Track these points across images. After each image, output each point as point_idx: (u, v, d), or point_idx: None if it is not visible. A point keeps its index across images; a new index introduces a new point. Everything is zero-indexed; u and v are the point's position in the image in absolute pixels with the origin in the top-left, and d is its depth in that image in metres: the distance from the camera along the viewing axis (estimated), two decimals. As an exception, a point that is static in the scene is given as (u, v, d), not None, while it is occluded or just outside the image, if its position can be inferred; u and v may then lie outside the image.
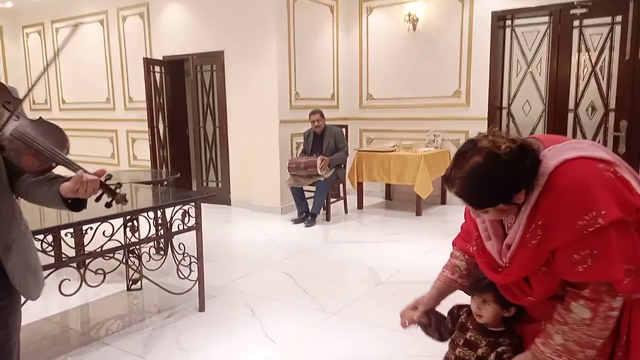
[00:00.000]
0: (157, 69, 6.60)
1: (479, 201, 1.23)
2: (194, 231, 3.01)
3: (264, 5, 5.65)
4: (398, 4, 6.26)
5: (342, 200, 5.80)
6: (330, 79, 6.60)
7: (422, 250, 4.14)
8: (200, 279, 3.08)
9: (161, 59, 6.73)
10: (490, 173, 1.17)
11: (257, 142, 5.95)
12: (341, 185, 5.79)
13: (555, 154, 1.21)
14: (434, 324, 1.59)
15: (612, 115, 5.21)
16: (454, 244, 1.62)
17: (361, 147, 6.56)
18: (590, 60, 5.33)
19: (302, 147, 5.74)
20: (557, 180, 1.17)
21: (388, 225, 5.28)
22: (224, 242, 4.78)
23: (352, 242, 4.70)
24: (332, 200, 5.58)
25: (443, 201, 6.13)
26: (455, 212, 5.54)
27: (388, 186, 6.54)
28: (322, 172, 5.19)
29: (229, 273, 3.89)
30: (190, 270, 3.06)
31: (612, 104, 5.20)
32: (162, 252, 3.45)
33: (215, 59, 6.27)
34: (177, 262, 3.05)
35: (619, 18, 5.06)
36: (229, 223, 5.70)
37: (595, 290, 1.16)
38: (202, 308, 3.08)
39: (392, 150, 5.77)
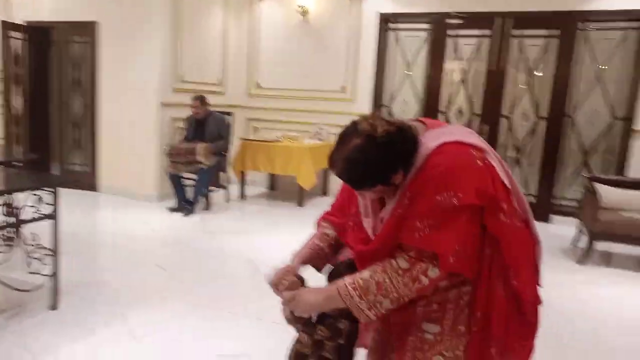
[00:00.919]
0: (16, 35, 5.77)
1: (357, 182, 1.29)
2: (50, 220, 2.66)
3: (146, -24, 5.23)
4: (289, -7, 6.21)
5: (224, 190, 5.61)
6: (218, 64, 6.34)
7: (301, 239, 4.14)
8: (55, 274, 2.73)
9: (23, 24, 5.91)
10: (368, 155, 1.23)
11: (133, 124, 5.51)
12: (223, 174, 5.60)
13: (435, 136, 1.29)
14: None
15: (476, 119, 5.72)
16: (322, 219, 1.62)
17: (248, 136, 6.42)
18: (462, 68, 5.78)
19: (184, 131, 5.43)
20: (431, 160, 1.25)
21: (270, 216, 5.24)
22: (88, 233, 4.35)
23: (232, 232, 4.57)
24: (213, 189, 5.38)
25: (325, 192, 6.25)
26: (336, 205, 5.67)
27: (272, 176, 6.50)
28: (203, 160, 4.96)
29: (92, 267, 3.54)
30: (44, 265, 2.70)
31: (477, 109, 5.71)
32: (11, 244, 3.00)
33: (86, 30, 5.66)
34: (27, 255, 2.67)
35: (487, 31, 5.55)
36: (96, 211, 5.21)
37: (420, 254, 1.25)
38: (54, 306, 2.74)
39: (278, 141, 5.72)
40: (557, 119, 5.39)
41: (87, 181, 5.69)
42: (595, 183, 4.13)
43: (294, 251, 1.58)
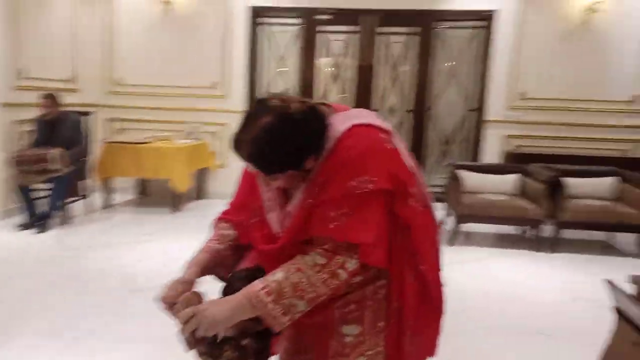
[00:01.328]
0: None
1: (268, 166, 1.14)
2: None
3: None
4: (150, -19, 5.77)
5: (84, 199, 5.01)
6: (68, 58, 5.64)
7: (180, 248, 3.87)
8: None
9: None
10: (282, 133, 1.10)
11: (-36, 129, 4.66)
12: (81, 183, 4.98)
13: (343, 119, 1.21)
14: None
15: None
16: (219, 220, 1.42)
17: (111, 138, 5.84)
18: (334, 63, 5.91)
19: (31, 135, 4.73)
20: (342, 143, 1.17)
21: (141, 225, 4.81)
22: None
23: (99, 246, 4.08)
24: (72, 199, 4.78)
25: (199, 196, 5.95)
26: (215, 206, 5.40)
27: (143, 181, 6.01)
28: (58, 167, 4.37)
29: None
30: None
31: (352, 104, 5.89)
32: None
33: None
34: None
35: (355, 28, 5.73)
36: None
37: (336, 247, 1.15)
38: None
39: (147, 142, 5.29)
40: (420, 111, 5.78)
41: None
42: (458, 170, 4.49)
43: (187, 261, 1.34)
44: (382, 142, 1.20)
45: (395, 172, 1.19)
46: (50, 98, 4.50)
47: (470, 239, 4.61)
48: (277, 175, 1.16)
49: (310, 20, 5.77)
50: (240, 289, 1.16)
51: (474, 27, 5.71)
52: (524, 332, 2.76)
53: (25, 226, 4.41)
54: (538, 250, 4.24)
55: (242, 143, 1.12)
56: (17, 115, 4.84)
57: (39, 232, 4.32)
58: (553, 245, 4.25)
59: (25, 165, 4.32)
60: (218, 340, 1.16)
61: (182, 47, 5.86)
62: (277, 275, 1.14)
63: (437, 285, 1.35)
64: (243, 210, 1.38)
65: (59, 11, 5.42)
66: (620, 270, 2.95)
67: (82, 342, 2.48)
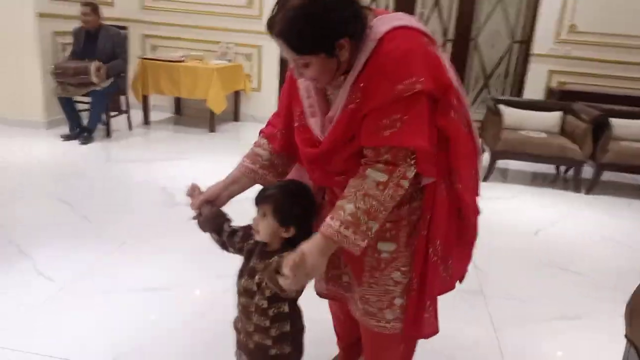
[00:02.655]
0: None
1: (298, 43, 1.11)
2: None
3: None
4: None
5: (125, 115, 5.09)
6: (103, -32, 5.50)
7: (217, 168, 3.94)
8: None
9: None
10: (312, 10, 1.07)
11: (6, 40, 4.67)
12: (123, 98, 5.06)
13: (384, 22, 1.17)
14: (208, 219, 1.37)
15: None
16: (261, 132, 1.47)
17: (144, 54, 5.80)
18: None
19: (70, 47, 4.74)
20: (383, 45, 1.13)
21: (179, 143, 4.91)
22: (-34, 166, 3.75)
23: (139, 161, 4.21)
24: (112, 114, 4.86)
25: (236, 118, 5.97)
26: (249, 129, 5.46)
27: (177, 100, 6.04)
28: (97, 80, 4.41)
29: (-21, 204, 3.08)
30: None
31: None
32: None
33: None
34: None
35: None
36: (-29, 142, 4.50)
37: (395, 156, 1.16)
38: (-59, 251, 2.37)
39: (181, 61, 5.25)
40: (461, 41, 5.55)
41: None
42: (499, 105, 4.38)
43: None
44: (424, 44, 1.17)
45: (439, 76, 1.16)
46: (91, 7, 4.44)
47: (505, 176, 4.58)
48: (309, 57, 1.12)
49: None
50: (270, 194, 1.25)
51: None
52: (550, 268, 2.80)
53: (68, 137, 4.54)
54: (575, 191, 4.20)
55: (275, 22, 1.11)
56: (55, 26, 4.82)
57: (82, 144, 4.45)
58: (591, 187, 4.19)
59: (65, 77, 4.37)
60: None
61: (217, -39, 5.63)
62: (347, 207, 1.15)
63: (474, 210, 1.36)
64: (284, 119, 1.38)
65: None
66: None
67: (122, 249, 2.63)
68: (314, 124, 1.26)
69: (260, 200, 1.27)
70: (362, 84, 1.14)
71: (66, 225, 2.83)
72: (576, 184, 4.22)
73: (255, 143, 1.45)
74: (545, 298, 2.46)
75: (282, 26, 1.09)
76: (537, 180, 4.58)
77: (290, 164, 1.45)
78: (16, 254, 2.46)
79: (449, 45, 5.59)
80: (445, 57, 1.24)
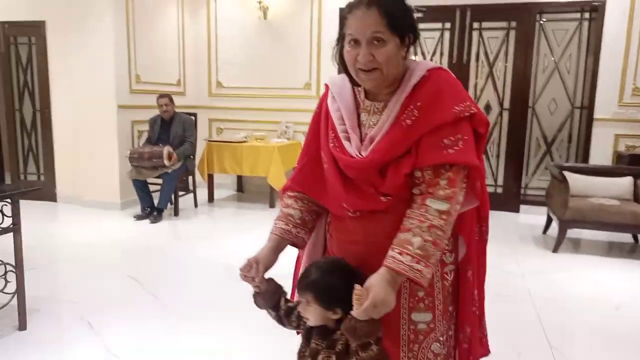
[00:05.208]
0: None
1: (394, 12, 1.19)
2: (10, 234, 2.44)
3: (97, -28, 4.95)
4: (248, -10, 6.07)
5: (192, 194, 5.40)
6: (175, 63, 6.11)
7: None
8: (20, 291, 2.52)
9: (-41, 24, 5.48)
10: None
11: (90, 128, 5.21)
12: (190, 178, 5.39)
13: (424, 63, 1.29)
14: (267, 294, 1.35)
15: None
16: (284, 190, 1.48)
17: (210, 137, 6.22)
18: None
19: (145, 135, 5.19)
20: (434, 73, 1.25)
21: (241, 219, 5.09)
22: (49, 245, 4.06)
23: (205, 238, 4.39)
24: (180, 193, 5.17)
25: (295, 193, 6.13)
26: (307, 204, 5.56)
27: (240, 178, 6.34)
28: (169, 163, 4.75)
29: (57, 281, 3.30)
30: (6, 282, 2.48)
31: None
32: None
33: (33, 31, 5.31)
34: (-14, 273, 2.44)
35: (447, 25, 5.60)
36: (55, 222, 4.90)
37: (456, 174, 1.19)
38: (22, 326, 2.52)
39: (244, 141, 5.57)
40: (518, 109, 5.51)
41: (44, 191, 5.33)
42: (564, 171, 4.23)
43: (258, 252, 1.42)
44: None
45: (480, 111, 1.26)
46: (168, 97, 4.91)
47: (577, 246, 4.32)
48: (389, 35, 1.18)
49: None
50: (310, 282, 1.23)
51: (578, 19, 5.35)
52: (636, 347, 2.55)
53: (140, 217, 4.84)
54: (656, 260, 3.87)
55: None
56: (132, 116, 5.32)
57: (152, 223, 4.72)
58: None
59: (141, 161, 4.75)
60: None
61: (276, 49, 6.08)
62: (414, 241, 1.16)
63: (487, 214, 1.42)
64: (303, 154, 1.43)
65: (167, 21, 5.87)
66: None
67: (186, 324, 2.68)
68: (349, 147, 1.28)
69: (301, 289, 1.27)
70: (418, 103, 1.21)
71: (134, 302, 2.95)
72: (658, 254, 3.89)
73: (282, 205, 1.47)
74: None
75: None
76: (613, 250, 4.27)
77: (317, 219, 1.46)
78: (87, 330, 2.58)
79: (506, 114, 5.57)
80: None
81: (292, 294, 1.49)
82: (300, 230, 1.41)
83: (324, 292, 1.22)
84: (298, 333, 1.40)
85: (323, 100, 1.40)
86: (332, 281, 1.23)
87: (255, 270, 1.32)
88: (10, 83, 5.54)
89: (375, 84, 1.25)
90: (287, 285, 1.45)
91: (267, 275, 1.35)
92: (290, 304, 1.38)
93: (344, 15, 1.26)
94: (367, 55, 1.20)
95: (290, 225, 1.41)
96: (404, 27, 1.21)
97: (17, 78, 5.54)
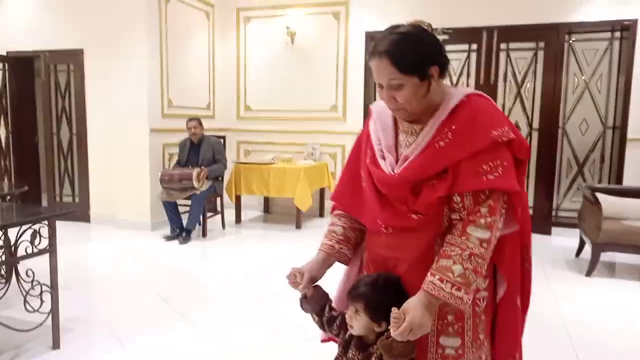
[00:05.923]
0: (-2, 65, 5.66)
1: (402, 60, 1.22)
2: (46, 255, 2.53)
3: (131, 3, 5.18)
4: (276, 16, 6.22)
5: (219, 215, 5.49)
6: (205, 87, 6.29)
7: (302, 262, 4.05)
8: (55, 311, 2.60)
9: (4, 54, 5.80)
10: (415, 37, 1.24)
11: (123, 152, 5.39)
12: (218, 199, 5.49)
13: (463, 88, 1.34)
14: (313, 299, 1.43)
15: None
16: (333, 209, 1.56)
17: (238, 159, 6.34)
18: (451, 82, 5.81)
19: (176, 157, 5.33)
20: (471, 98, 1.28)
21: (267, 240, 5.13)
22: (83, 266, 4.19)
23: (232, 259, 4.44)
24: (208, 214, 5.26)
25: (321, 214, 6.17)
26: (333, 225, 5.57)
27: (266, 199, 6.41)
28: (198, 185, 4.86)
29: (91, 301, 3.39)
30: (42, 301, 2.56)
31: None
32: (4, 281, 2.86)
33: (72, 58, 5.56)
34: (24, 292, 2.53)
35: (474, 46, 5.61)
36: (89, 243, 5.04)
37: (496, 200, 1.21)
38: (56, 345, 2.60)
39: (272, 163, 5.65)
40: (547, 130, 5.43)
41: (78, 212, 5.51)
42: (597, 193, 4.13)
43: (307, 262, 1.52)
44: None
45: (520, 136, 1.27)
46: (197, 120, 5.05)
47: (612, 270, 4.18)
48: (405, 78, 1.22)
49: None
50: (362, 293, 1.29)
51: (608, 39, 5.27)
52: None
53: (169, 238, 4.94)
54: (698, 285, 3.71)
55: (380, 44, 1.23)
56: (164, 139, 5.48)
57: (180, 244, 4.81)
58: None
59: (171, 183, 4.87)
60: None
61: (303, 72, 6.19)
62: (455, 268, 1.19)
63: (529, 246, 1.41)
64: (348, 189, 1.48)
65: (198, 47, 6.07)
66: None
67: (212, 344, 2.70)
68: (384, 164, 1.34)
69: (352, 298, 1.32)
70: (453, 126, 1.24)
71: (164, 322, 3.00)
72: (701, 279, 3.72)
73: (329, 224, 1.55)
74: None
75: (388, 46, 1.22)
76: (651, 274, 4.11)
77: (361, 236, 1.50)
78: (119, 349, 2.63)
79: (535, 134, 5.49)
80: None
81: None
82: (343, 246, 1.48)
83: (374, 304, 1.28)
84: (335, 342, 1.46)
85: (367, 123, 1.48)
86: (384, 295, 1.28)
87: (300, 278, 1.40)
88: (49, 108, 5.80)
89: (404, 118, 1.32)
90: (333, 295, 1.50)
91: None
92: (334, 313, 1.44)
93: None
94: (389, 98, 1.28)
95: (334, 241, 1.48)
96: (421, 67, 1.23)
97: (55, 103, 5.80)
